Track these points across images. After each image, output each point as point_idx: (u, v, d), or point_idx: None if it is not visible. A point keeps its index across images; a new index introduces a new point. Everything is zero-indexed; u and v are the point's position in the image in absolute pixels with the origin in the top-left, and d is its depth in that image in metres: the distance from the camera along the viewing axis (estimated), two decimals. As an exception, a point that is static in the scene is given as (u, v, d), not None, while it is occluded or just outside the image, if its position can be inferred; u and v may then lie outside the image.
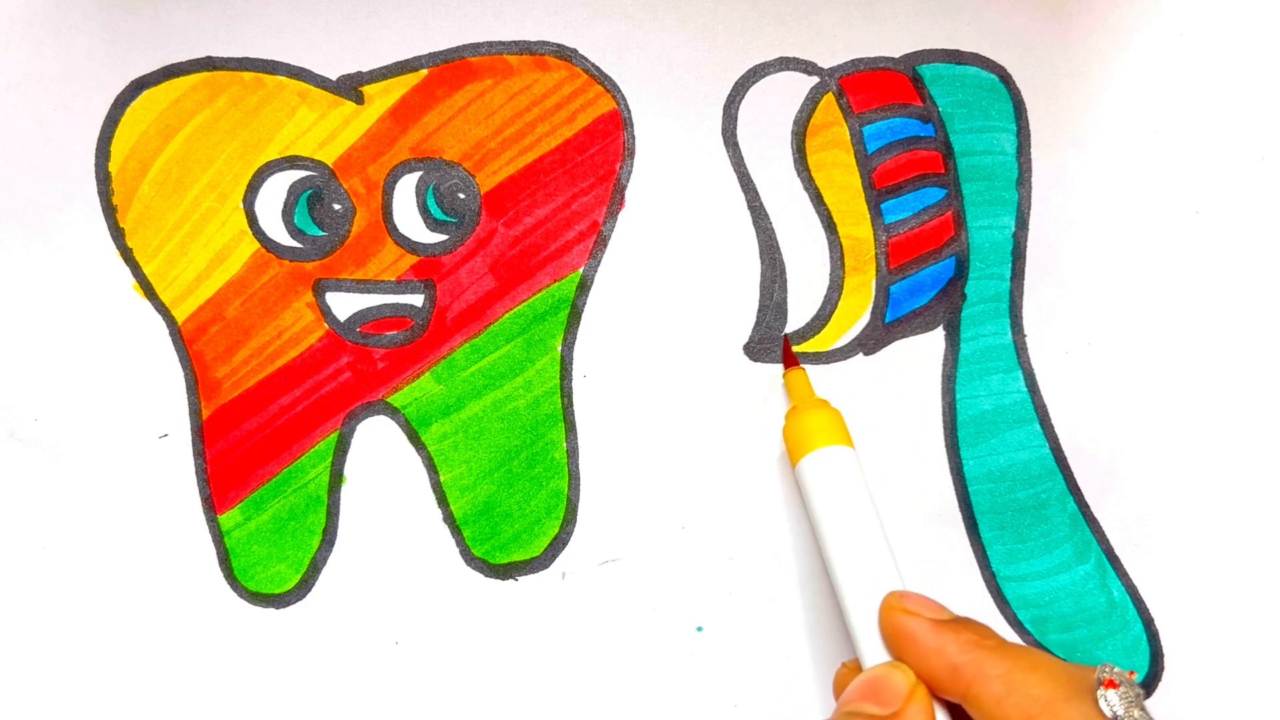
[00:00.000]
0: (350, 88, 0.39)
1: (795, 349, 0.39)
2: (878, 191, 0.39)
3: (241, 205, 0.39)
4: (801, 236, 0.39)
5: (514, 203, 0.39)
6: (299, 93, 0.39)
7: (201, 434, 0.39)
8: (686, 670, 0.38)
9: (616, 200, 0.39)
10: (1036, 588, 0.39)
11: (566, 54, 0.39)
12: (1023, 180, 0.40)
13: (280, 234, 0.39)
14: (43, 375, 0.39)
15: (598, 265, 0.39)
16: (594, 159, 0.39)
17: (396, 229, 0.39)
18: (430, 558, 0.38)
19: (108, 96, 0.39)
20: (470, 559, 0.39)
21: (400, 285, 0.39)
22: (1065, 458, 0.39)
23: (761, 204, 0.39)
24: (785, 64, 0.39)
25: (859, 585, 0.32)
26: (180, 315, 0.39)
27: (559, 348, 0.39)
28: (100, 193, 0.39)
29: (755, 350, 0.39)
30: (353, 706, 0.38)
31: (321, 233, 0.39)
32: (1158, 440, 0.39)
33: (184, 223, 0.39)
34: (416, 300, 0.39)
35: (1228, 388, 0.39)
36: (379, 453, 0.39)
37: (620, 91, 0.39)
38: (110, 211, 0.39)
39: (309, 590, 0.38)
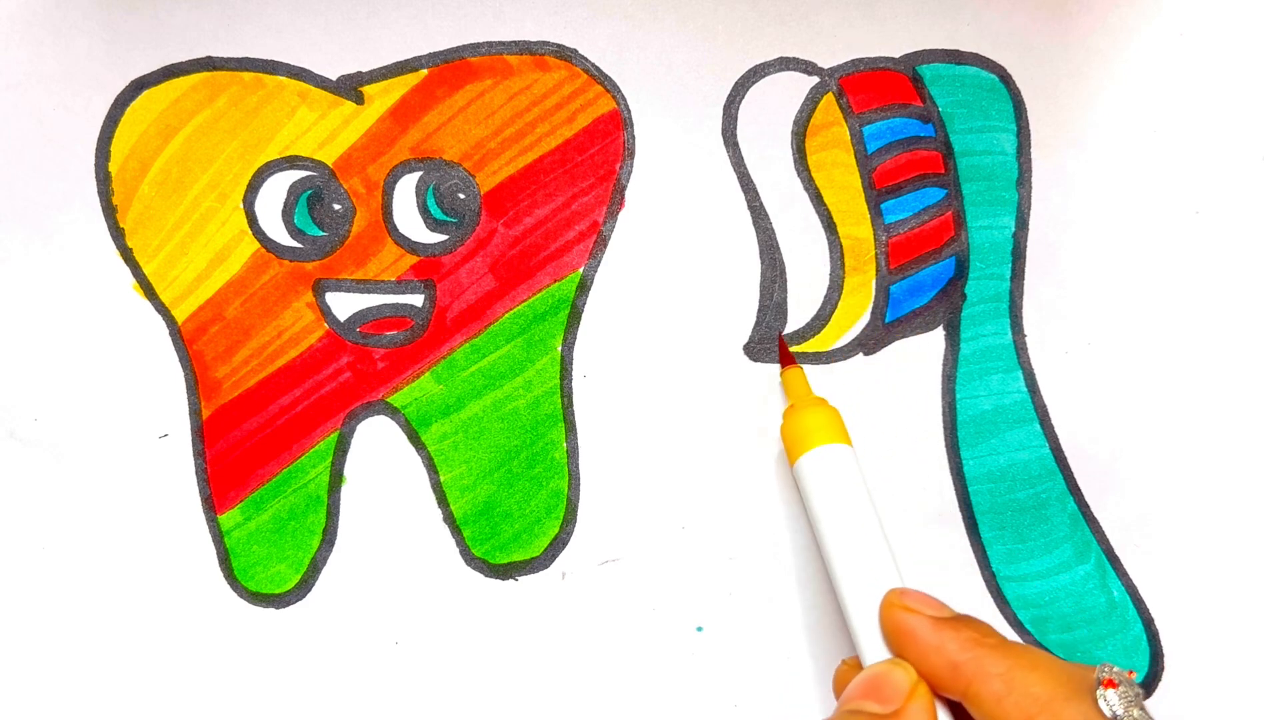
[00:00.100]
0: (350, 88, 0.39)
1: (795, 349, 0.39)
2: (878, 191, 0.39)
3: (241, 205, 0.39)
4: (801, 236, 0.39)
5: (514, 203, 0.39)
6: (299, 93, 0.39)
7: (201, 434, 0.39)
8: (686, 670, 0.38)
9: (616, 200, 0.39)
10: (1036, 588, 0.39)
11: (566, 54, 0.39)
12: (1023, 180, 0.40)
13: (280, 234, 0.39)
14: (43, 375, 0.39)
15: (598, 265, 0.39)
16: (594, 159, 0.39)
17: (396, 229, 0.39)
18: (430, 558, 0.39)
19: (108, 96, 0.39)
20: (470, 559, 0.39)
21: (400, 285, 0.39)
22: (1065, 458, 0.39)
23: (761, 204, 0.39)
24: (785, 64, 0.39)
25: (859, 583, 0.32)
26: (180, 315, 0.39)
27: (559, 348, 0.39)
28: (100, 193, 0.39)
29: (755, 350, 0.39)
30: (353, 706, 0.38)
31: (321, 233, 0.39)
32: (1158, 440, 0.39)
33: (184, 223, 0.39)
34: (416, 300, 0.39)
35: (1228, 388, 0.39)
36: (379, 453, 0.39)
37: (620, 91, 0.39)
38: (110, 211, 0.39)
39: (309, 590, 0.38)
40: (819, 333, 0.39)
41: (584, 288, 0.39)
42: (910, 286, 0.39)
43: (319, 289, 0.39)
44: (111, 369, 0.39)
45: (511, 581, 0.39)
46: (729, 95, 0.39)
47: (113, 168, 0.39)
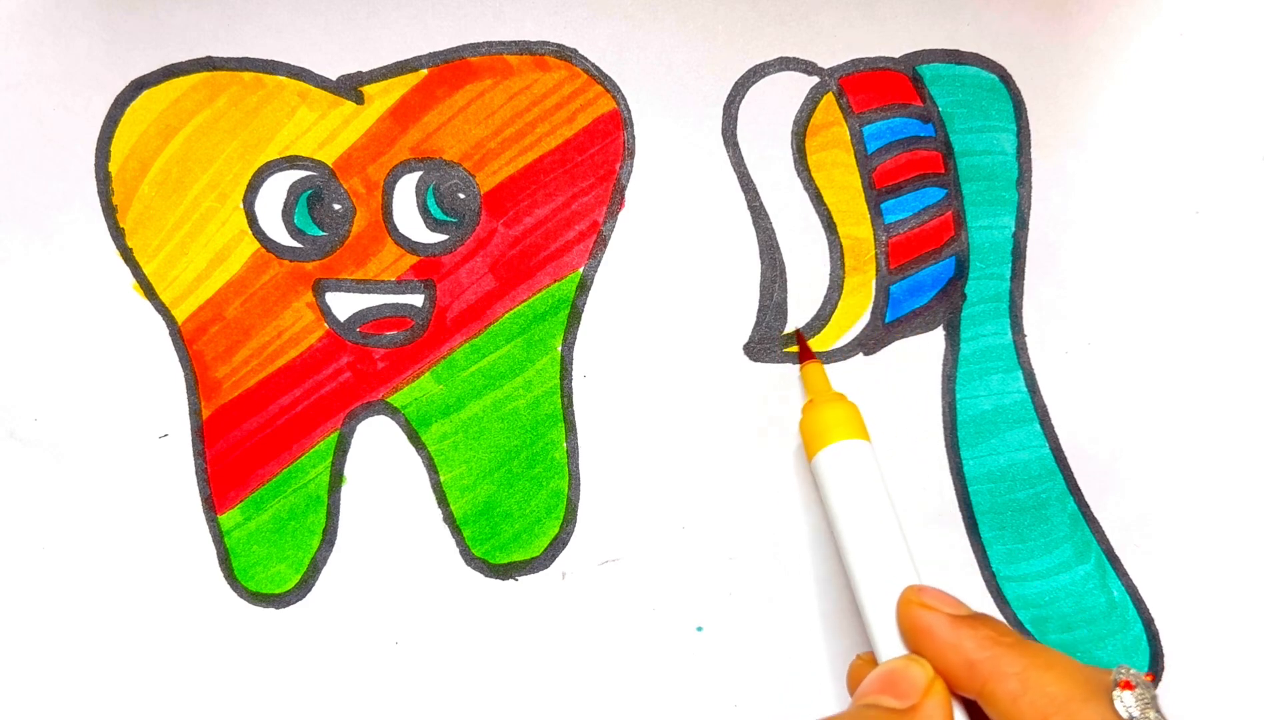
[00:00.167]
0: (350, 88, 0.39)
1: (795, 349, 0.39)
2: (878, 191, 0.39)
3: (241, 205, 0.39)
4: (801, 236, 0.39)
5: (514, 203, 0.39)
6: (299, 93, 0.39)
7: (201, 434, 0.39)
8: (686, 670, 0.38)
9: (616, 200, 0.39)
10: (1036, 588, 0.39)
11: (566, 54, 0.39)
12: (1023, 180, 0.40)
13: (280, 234, 0.39)
14: (43, 375, 0.39)
15: (598, 265, 0.39)
16: (594, 159, 0.39)
17: (396, 229, 0.39)
18: (430, 558, 0.39)
19: (108, 96, 0.39)
20: (470, 559, 0.39)
21: (400, 285, 0.39)
22: (1065, 458, 0.39)
23: (761, 204, 0.39)
24: (785, 64, 0.39)
25: (876, 579, 0.32)
26: (180, 315, 0.39)
27: (559, 348, 0.39)
28: (100, 193, 0.39)
29: (755, 350, 0.39)
30: (353, 706, 0.38)
31: (321, 233, 0.39)
32: (1158, 440, 0.39)
33: (184, 223, 0.39)
34: (416, 300, 0.39)
35: (1228, 388, 0.39)
36: (379, 453, 0.39)
37: (620, 91, 0.39)
38: (110, 211, 0.39)
39: (309, 590, 0.38)
40: (819, 333, 0.39)
41: (584, 288, 0.39)
42: (910, 286, 0.39)
43: (319, 289, 0.39)
44: (111, 369, 0.39)
45: (511, 581, 0.39)
46: (729, 95, 0.39)
47: (113, 168, 0.39)
